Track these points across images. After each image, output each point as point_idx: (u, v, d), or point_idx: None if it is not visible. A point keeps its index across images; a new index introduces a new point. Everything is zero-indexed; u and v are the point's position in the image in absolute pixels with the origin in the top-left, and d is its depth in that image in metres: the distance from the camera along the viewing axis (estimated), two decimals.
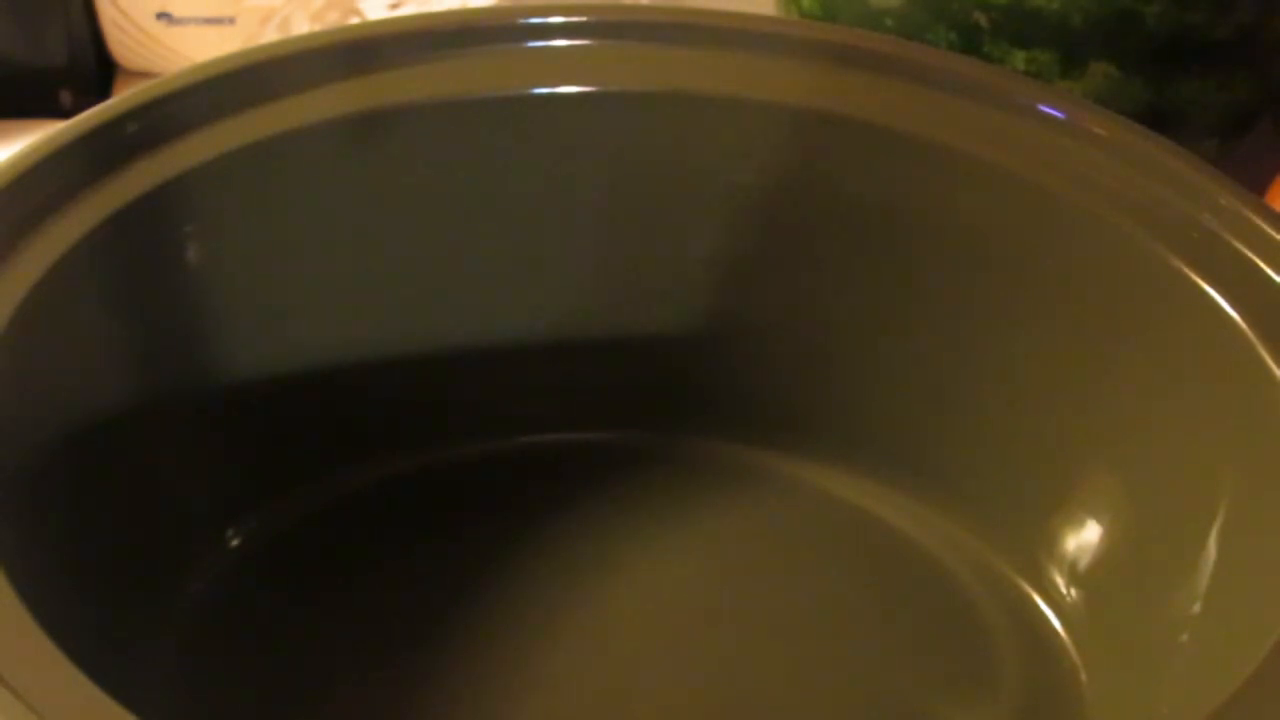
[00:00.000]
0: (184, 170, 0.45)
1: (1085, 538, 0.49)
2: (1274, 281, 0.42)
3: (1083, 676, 0.48)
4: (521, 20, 0.49)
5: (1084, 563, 0.49)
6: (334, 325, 0.50)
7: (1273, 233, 0.43)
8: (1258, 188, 0.56)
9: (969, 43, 0.56)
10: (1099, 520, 0.48)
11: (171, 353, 0.47)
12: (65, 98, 0.69)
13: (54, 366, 0.42)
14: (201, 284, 0.47)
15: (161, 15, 0.69)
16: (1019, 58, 0.56)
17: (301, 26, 0.68)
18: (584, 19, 0.49)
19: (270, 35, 0.68)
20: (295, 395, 0.50)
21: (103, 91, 0.71)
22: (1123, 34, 0.57)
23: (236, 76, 0.47)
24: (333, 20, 0.68)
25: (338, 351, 0.51)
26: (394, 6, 0.69)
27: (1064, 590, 0.49)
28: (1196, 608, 0.41)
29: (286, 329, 0.49)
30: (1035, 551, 0.50)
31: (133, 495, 0.45)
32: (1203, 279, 0.43)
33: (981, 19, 0.55)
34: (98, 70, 0.71)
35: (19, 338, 0.39)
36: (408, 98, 0.48)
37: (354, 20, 0.67)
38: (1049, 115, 0.48)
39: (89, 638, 0.34)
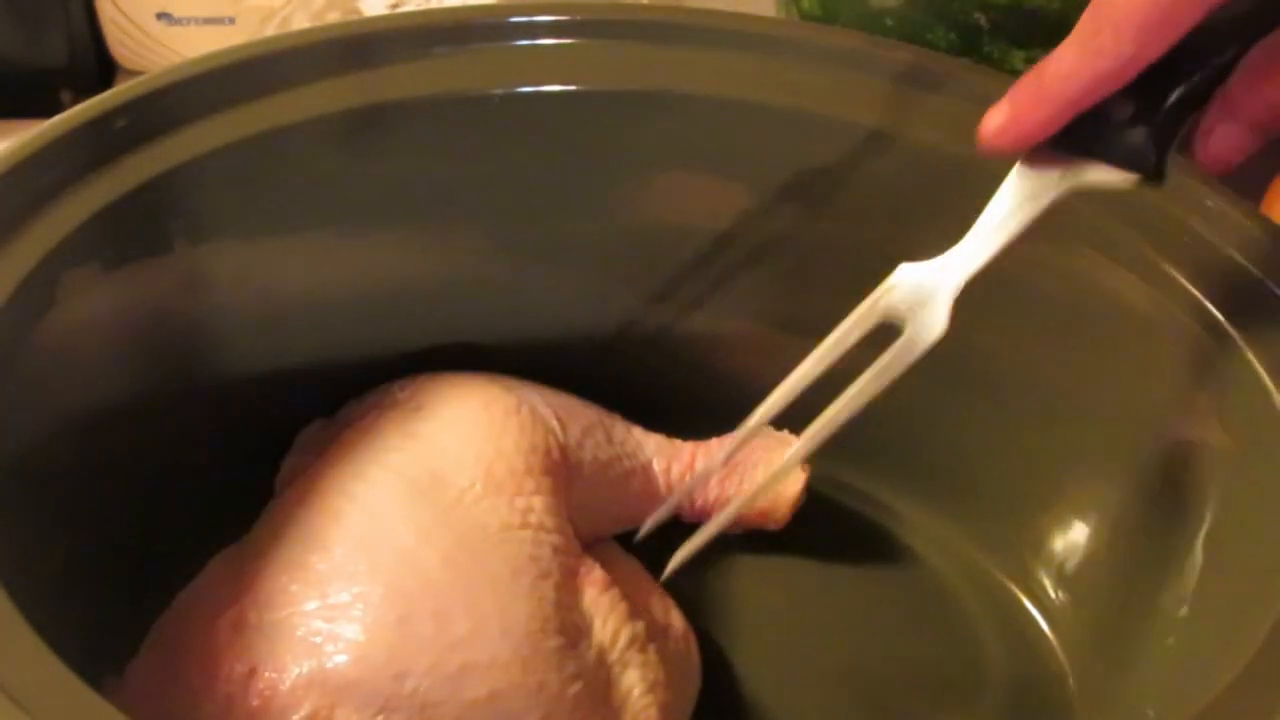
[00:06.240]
0: (177, 164, 0.44)
1: (1073, 541, 0.48)
2: (1263, 285, 0.42)
3: (1070, 679, 0.47)
4: (511, 19, 0.49)
5: (1072, 566, 0.49)
6: (330, 319, 0.50)
7: (1261, 236, 0.43)
8: (1256, 190, 0.56)
9: (969, 43, 0.56)
10: (1087, 524, 0.48)
11: (166, 347, 0.47)
12: (65, 98, 0.69)
13: (46, 359, 0.42)
14: (196, 279, 0.47)
15: (161, 15, 0.69)
16: (1018, 58, 0.56)
17: (302, 26, 0.68)
18: (572, 18, 0.49)
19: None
20: (293, 392, 0.50)
21: (102, 91, 0.71)
22: None
23: (231, 71, 0.46)
24: (333, 20, 0.68)
25: (334, 348, 0.51)
26: (394, 6, 0.69)
27: (1052, 593, 0.49)
28: (1184, 611, 0.41)
29: (282, 324, 0.49)
30: (1024, 554, 0.50)
31: (126, 495, 0.45)
32: (1191, 283, 0.43)
33: (981, 19, 0.55)
34: (98, 70, 0.71)
35: (11, 330, 0.39)
36: (401, 94, 0.48)
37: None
38: None
39: (81, 639, 0.34)
